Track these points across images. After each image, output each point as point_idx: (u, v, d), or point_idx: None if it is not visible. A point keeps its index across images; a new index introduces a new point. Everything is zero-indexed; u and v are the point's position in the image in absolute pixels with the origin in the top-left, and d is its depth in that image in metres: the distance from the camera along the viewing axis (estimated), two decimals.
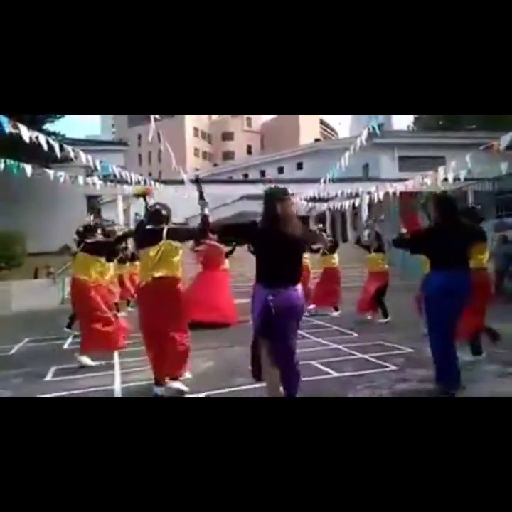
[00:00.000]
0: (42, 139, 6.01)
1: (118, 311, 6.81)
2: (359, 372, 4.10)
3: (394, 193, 11.86)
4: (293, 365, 2.87)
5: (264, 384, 2.97)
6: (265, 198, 2.88)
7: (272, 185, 3.06)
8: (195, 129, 52.82)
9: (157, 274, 3.53)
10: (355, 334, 6.01)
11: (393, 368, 4.25)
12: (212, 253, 7.18)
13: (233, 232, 3.18)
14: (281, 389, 2.84)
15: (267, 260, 2.81)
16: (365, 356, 4.70)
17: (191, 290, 6.98)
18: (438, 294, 3.31)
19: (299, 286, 2.85)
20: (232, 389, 3.73)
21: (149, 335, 3.65)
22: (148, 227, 3.70)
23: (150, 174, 39.58)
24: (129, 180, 10.91)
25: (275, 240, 2.75)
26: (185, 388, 3.61)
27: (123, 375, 4.38)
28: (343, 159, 8.86)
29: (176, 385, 3.59)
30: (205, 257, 7.25)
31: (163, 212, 3.68)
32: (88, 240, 5.03)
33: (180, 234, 3.73)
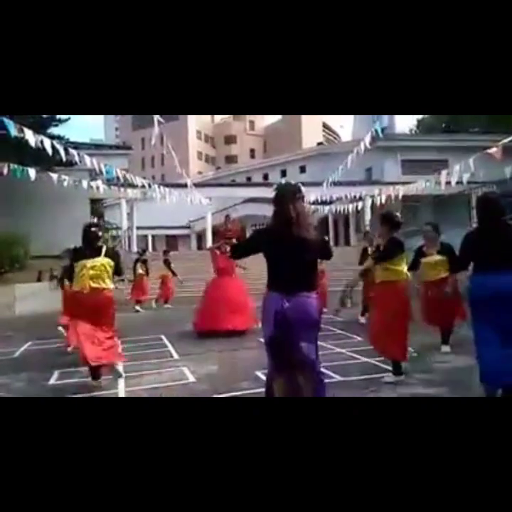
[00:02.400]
0: (47, 143, 6.04)
1: None
2: (363, 377, 4.08)
3: (396, 196, 11.87)
4: (310, 377, 2.59)
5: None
6: (276, 197, 2.64)
7: (283, 182, 2.81)
8: (198, 133, 53.02)
9: (94, 285, 4.06)
10: (360, 338, 5.98)
11: None
12: (224, 260, 7.03)
13: (244, 249, 2.97)
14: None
15: (280, 265, 2.57)
16: (370, 360, 4.68)
17: (214, 299, 6.80)
18: (484, 297, 3.05)
19: (315, 294, 2.62)
20: (237, 393, 3.72)
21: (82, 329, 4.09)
22: (88, 244, 4.23)
23: (153, 177, 39.71)
24: (132, 184, 10.96)
25: (289, 242, 2.52)
26: (121, 370, 4.25)
27: (127, 378, 4.37)
28: (346, 163, 8.85)
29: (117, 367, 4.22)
30: (221, 262, 7.02)
31: (100, 233, 4.36)
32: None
33: (113, 256, 4.32)
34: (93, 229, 4.30)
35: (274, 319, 2.50)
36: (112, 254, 4.33)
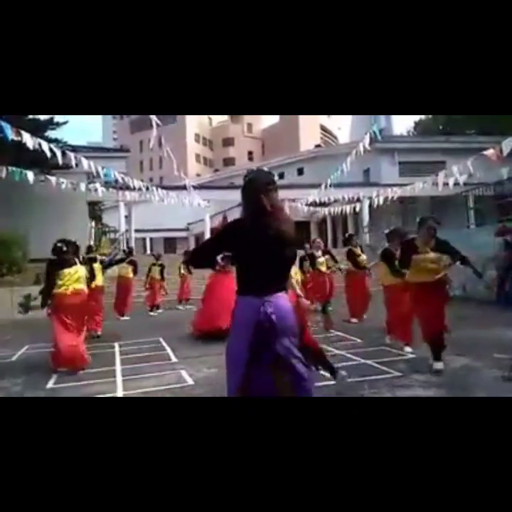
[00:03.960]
0: (45, 146, 6.04)
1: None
2: (362, 378, 4.08)
3: (393, 198, 11.92)
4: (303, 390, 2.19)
5: None
6: (246, 188, 2.29)
7: (254, 168, 2.47)
8: (196, 135, 53.07)
9: (78, 287, 5.06)
10: (359, 340, 5.98)
11: (396, 374, 4.23)
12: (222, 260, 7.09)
13: (207, 252, 2.41)
14: None
15: (255, 264, 2.21)
16: (369, 362, 4.68)
17: (211, 298, 6.83)
18: None
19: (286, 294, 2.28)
20: None
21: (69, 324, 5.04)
22: (65, 257, 5.12)
23: (151, 180, 39.71)
24: (130, 187, 10.95)
25: (264, 237, 2.18)
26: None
27: (125, 381, 4.36)
28: (345, 164, 8.87)
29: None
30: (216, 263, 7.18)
31: (70, 247, 5.21)
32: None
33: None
34: (59, 244, 5.13)
35: (253, 329, 2.11)
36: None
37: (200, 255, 2.44)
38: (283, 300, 2.20)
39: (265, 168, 2.42)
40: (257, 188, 2.24)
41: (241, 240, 2.23)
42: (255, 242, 2.20)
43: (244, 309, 2.20)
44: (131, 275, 9.46)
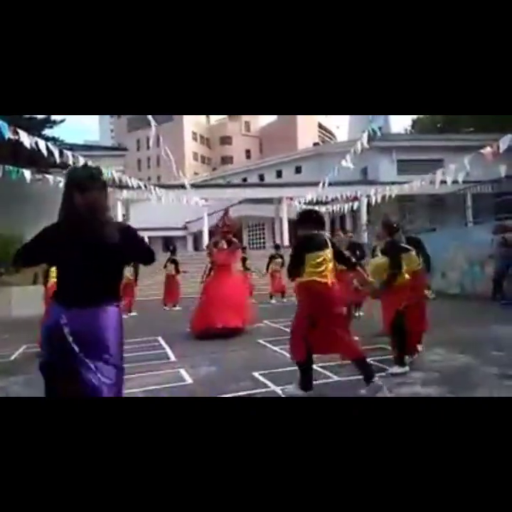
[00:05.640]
0: (42, 145, 6.02)
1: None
2: (360, 376, 4.08)
3: (390, 196, 11.95)
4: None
5: (268, 389, 2.94)
6: (65, 184, 2.09)
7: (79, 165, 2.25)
8: (194, 134, 53.00)
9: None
10: (356, 337, 5.98)
11: None
12: (222, 256, 7.09)
13: (28, 254, 2.19)
14: None
15: (64, 270, 2.08)
16: (368, 360, 4.68)
17: (209, 297, 6.83)
18: None
19: (114, 308, 2.09)
20: (236, 394, 3.72)
21: None
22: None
23: (149, 179, 39.64)
24: (128, 185, 10.93)
25: (74, 244, 2.00)
26: None
27: (126, 380, 4.35)
28: (345, 161, 8.87)
29: None
30: (218, 258, 7.11)
31: None
32: None
33: None
34: None
35: (48, 338, 2.03)
36: None
37: (23, 256, 2.19)
38: (92, 312, 2.01)
39: (93, 165, 2.24)
40: (71, 186, 2.05)
41: (53, 245, 2.06)
42: (65, 247, 2.02)
43: (48, 317, 2.09)
44: (174, 272, 11.16)
